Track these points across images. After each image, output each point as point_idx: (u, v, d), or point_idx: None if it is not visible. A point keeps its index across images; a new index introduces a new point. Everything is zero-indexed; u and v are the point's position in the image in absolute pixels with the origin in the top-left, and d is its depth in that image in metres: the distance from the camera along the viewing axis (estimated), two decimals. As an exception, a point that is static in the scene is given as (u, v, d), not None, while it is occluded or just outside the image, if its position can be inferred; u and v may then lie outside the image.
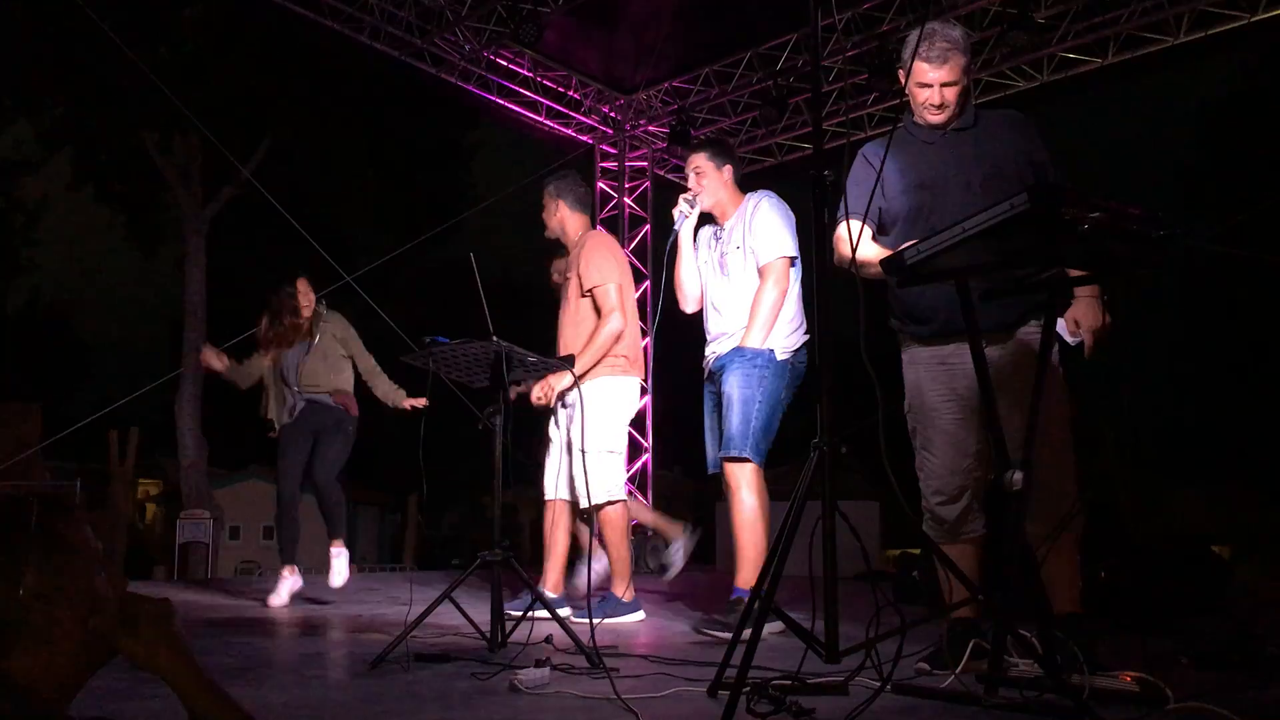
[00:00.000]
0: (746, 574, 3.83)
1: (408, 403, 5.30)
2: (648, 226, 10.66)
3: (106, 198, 16.95)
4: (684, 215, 4.06)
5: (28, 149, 17.92)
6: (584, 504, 4.33)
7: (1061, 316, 2.87)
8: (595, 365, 4.32)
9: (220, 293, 15.81)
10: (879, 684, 2.17)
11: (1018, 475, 2.37)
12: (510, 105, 9.78)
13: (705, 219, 4.18)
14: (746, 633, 2.25)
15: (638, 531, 7.41)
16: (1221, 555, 5.57)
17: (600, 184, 10.50)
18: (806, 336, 4.01)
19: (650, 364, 3.80)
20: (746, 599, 3.86)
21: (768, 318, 3.87)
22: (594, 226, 4.84)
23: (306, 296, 5.29)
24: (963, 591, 2.49)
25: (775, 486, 4.01)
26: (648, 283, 9.73)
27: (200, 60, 14.48)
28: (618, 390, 4.39)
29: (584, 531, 4.74)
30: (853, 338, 2.44)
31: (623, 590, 4.37)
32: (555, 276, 5.48)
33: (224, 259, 16.81)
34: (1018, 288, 2.58)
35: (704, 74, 9.67)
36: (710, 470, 4.07)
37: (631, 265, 5.06)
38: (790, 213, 3.98)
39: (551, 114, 10.11)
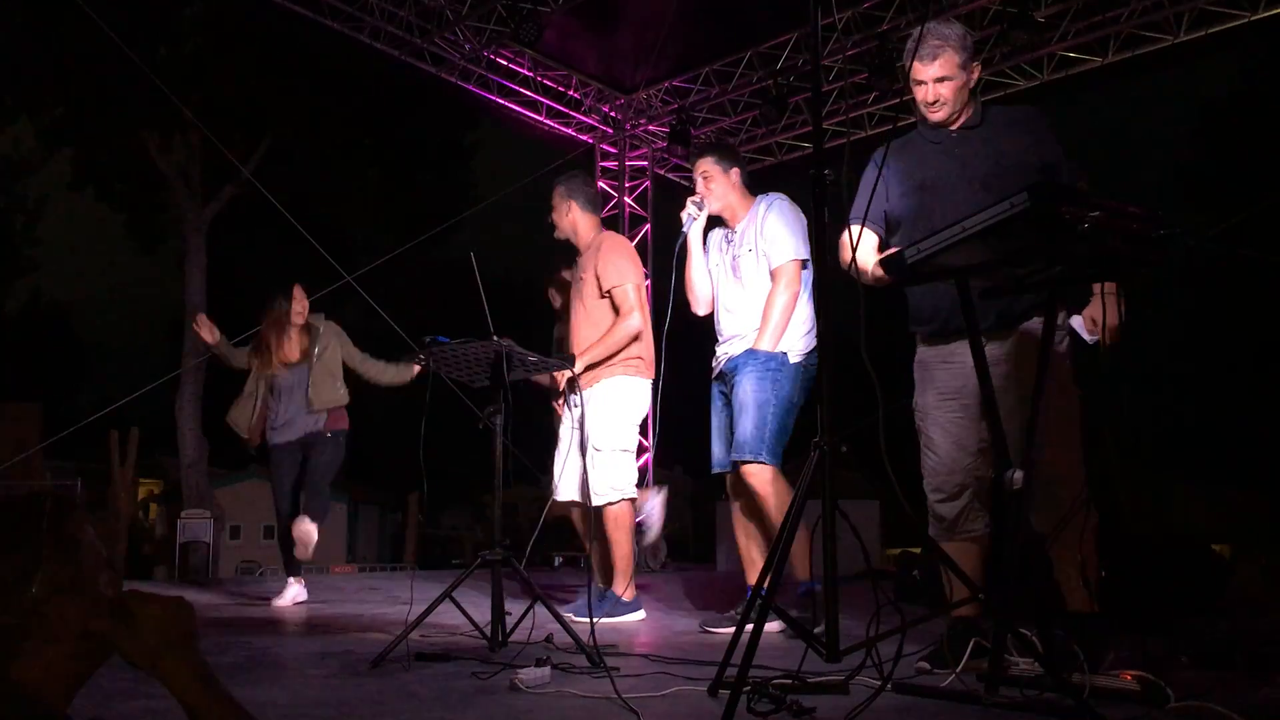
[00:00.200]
0: (802, 567, 3.85)
1: (416, 369, 5.25)
2: (648, 226, 10.67)
3: (106, 198, 16.94)
4: (691, 218, 4.06)
5: (27, 149, 17.94)
6: (595, 501, 4.34)
7: (1079, 314, 2.88)
8: (607, 360, 4.35)
9: (220, 293, 15.80)
10: (879, 683, 2.17)
11: (1018, 474, 2.37)
12: (510, 105, 9.78)
13: (715, 221, 4.18)
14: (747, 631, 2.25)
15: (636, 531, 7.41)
16: (1222, 555, 5.57)
17: (600, 183, 10.50)
18: (814, 337, 4.02)
19: (662, 364, 3.78)
20: (816, 588, 3.90)
21: (780, 321, 3.88)
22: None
23: (301, 303, 5.27)
24: (963, 590, 2.49)
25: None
26: (648, 281, 9.73)
27: (200, 60, 14.49)
28: (633, 390, 4.42)
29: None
30: (856, 338, 2.45)
31: (624, 589, 4.37)
32: (552, 290, 5.47)
33: (224, 259, 16.81)
34: (1018, 287, 2.58)
35: (704, 73, 9.67)
36: (715, 470, 4.08)
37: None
38: (801, 215, 3.98)
39: (551, 113, 10.11)
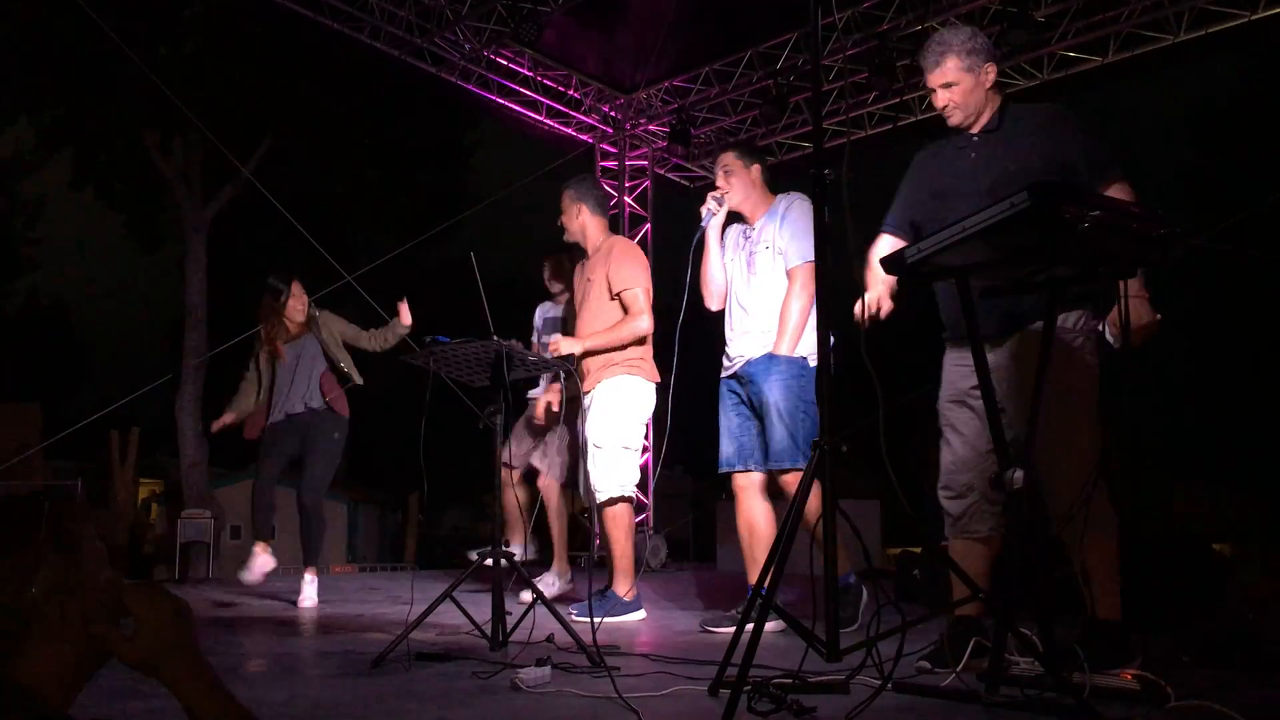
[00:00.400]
0: (842, 560, 3.86)
1: (404, 314, 5.24)
2: (648, 226, 10.66)
3: (106, 198, 16.93)
4: (711, 213, 4.04)
5: (27, 149, 17.92)
6: (598, 498, 4.37)
7: (1106, 317, 2.87)
8: (609, 358, 4.39)
9: (220, 293, 15.80)
10: (880, 682, 2.17)
11: (1018, 474, 2.37)
12: (510, 105, 9.78)
13: (733, 217, 4.18)
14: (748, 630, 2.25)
15: (639, 529, 7.42)
16: (1222, 554, 5.57)
17: (600, 183, 10.50)
18: (832, 339, 4.02)
19: (675, 364, 3.77)
20: (852, 580, 3.88)
21: (798, 324, 3.88)
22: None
23: (300, 299, 5.27)
24: (964, 588, 2.49)
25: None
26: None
27: (200, 60, 14.47)
28: (639, 391, 4.47)
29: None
30: (856, 337, 2.46)
31: (625, 589, 4.37)
32: (548, 274, 5.53)
33: (224, 259, 16.79)
34: (1018, 286, 2.58)
35: (704, 73, 9.67)
36: (723, 469, 4.06)
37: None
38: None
39: (551, 113, 10.11)
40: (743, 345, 4.02)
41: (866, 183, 4.29)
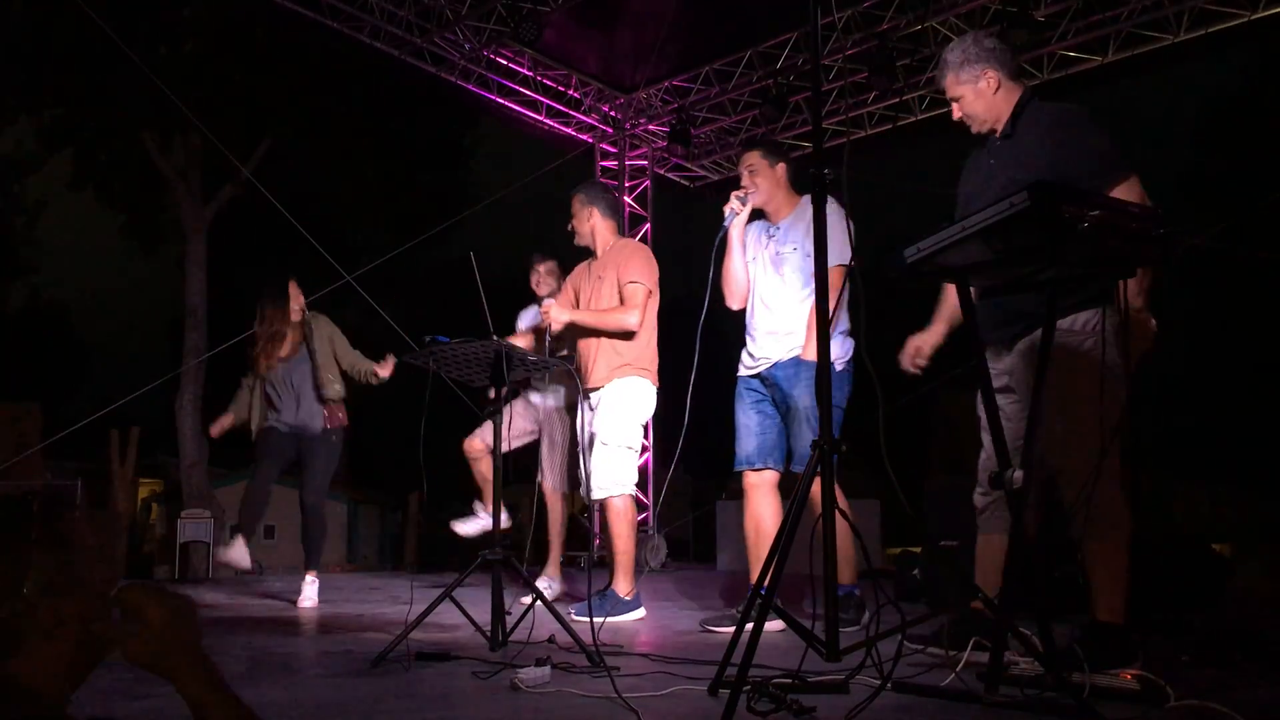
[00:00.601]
0: (846, 572, 3.89)
1: (381, 370, 5.30)
2: (648, 225, 10.67)
3: (106, 198, 16.92)
4: (735, 212, 4.02)
5: (28, 149, 17.91)
6: (596, 495, 4.40)
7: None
8: (609, 336, 4.44)
9: (220, 292, 15.79)
10: (879, 682, 2.17)
11: (1018, 474, 2.37)
12: (510, 104, 9.78)
13: (754, 215, 4.16)
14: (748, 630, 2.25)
15: (641, 529, 7.42)
16: (1222, 553, 5.56)
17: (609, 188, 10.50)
18: (852, 340, 4.05)
19: (696, 362, 3.74)
20: (856, 593, 3.90)
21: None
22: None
23: (296, 300, 5.28)
24: (985, 580, 2.50)
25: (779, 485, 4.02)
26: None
27: (200, 60, 14.46)
28: (646, 393, 4.52)
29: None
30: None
31: (625, 588, 4.38)
32: (535, 278, 5.53)
33: (224, 259, 16.78)
34: (1018, 286, 2.58)
35: (704, 72, 9.67)
36: (740, 467, 4.05)
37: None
38: (847, 219, 3.96)
39: (551, 113, 10.11)
40: (768, 347, 4.01)
41: (866, 182, 4.30)
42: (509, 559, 3.34)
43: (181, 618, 1.28)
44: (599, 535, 4.74)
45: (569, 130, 10.39)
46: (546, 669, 2.66)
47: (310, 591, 5.10)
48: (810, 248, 3.91)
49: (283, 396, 5.21)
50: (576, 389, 4.69)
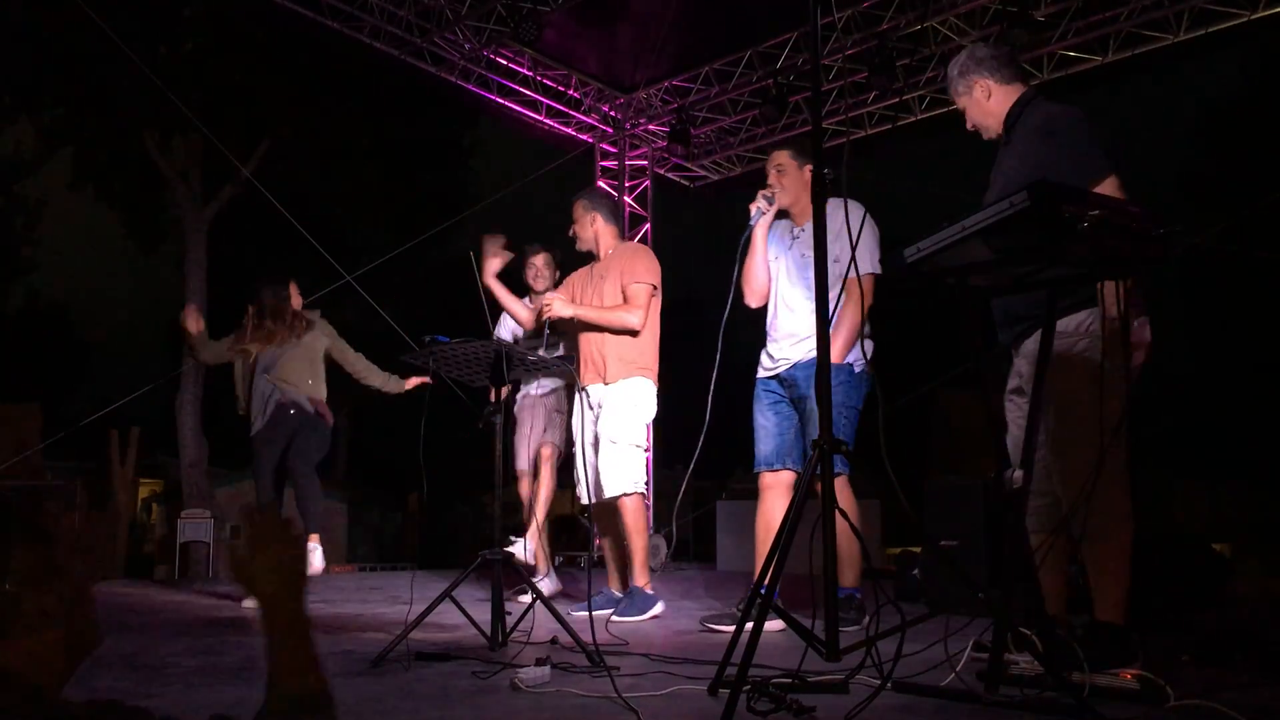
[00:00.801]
0: (849, 575, 3.91)
1: (410, 383, 5.40)
2: (648, 225, 10.67)
3: (106, 198, 16.93)
4: (761, 211, 4.00)
5: (28, 149, 17.92)
6: (610, 493, 4.43)
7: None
8: (629, 360, 4.47)
9: (220, 292, 15.79)
10: (879, 682, 2.17)
11: (1018, 474, 2.38)
12: (510, 104, 9.78)
13: (778, 215, 4.15)
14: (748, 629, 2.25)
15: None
16: (1222, 553, 5.57)
17: (600, 183, 10.51)
18: (873, 342, 4.06)
19: (719, 361, 3.73)
20: (857, 596, 3.91)
21: (851, 335, 3.88)
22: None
23: (295, 299, 5.30)
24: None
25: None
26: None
27: (200, 60, 14.47)
28: (651, 393, 4.55)
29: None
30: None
31: (645, 581, 4.45)
32: (531, 270, 5.54)
33: (224, 259, 16.77)
34: (1018, 286, 2.58)
35: (704, 72, 9.67)
36: (759, 468, 4.05)
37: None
38: (875, 227, 3.95)
39: (551, 113, 10.11)
40: (788, 349, 4.02)
41: (866, 182, 4.30)
42: (509, 559, 3.34)
43: (285, 563, 1.35)
44: (599, 536, 4.75)
45: (569, 130, 10.39)
46: (546, 669, 2.66)
47: (314, 559, 5.08)
48: (836, 253, 3.94)
49: (262, 384, 5.18)
50: (573, 376, 4.69)
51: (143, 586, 6.82)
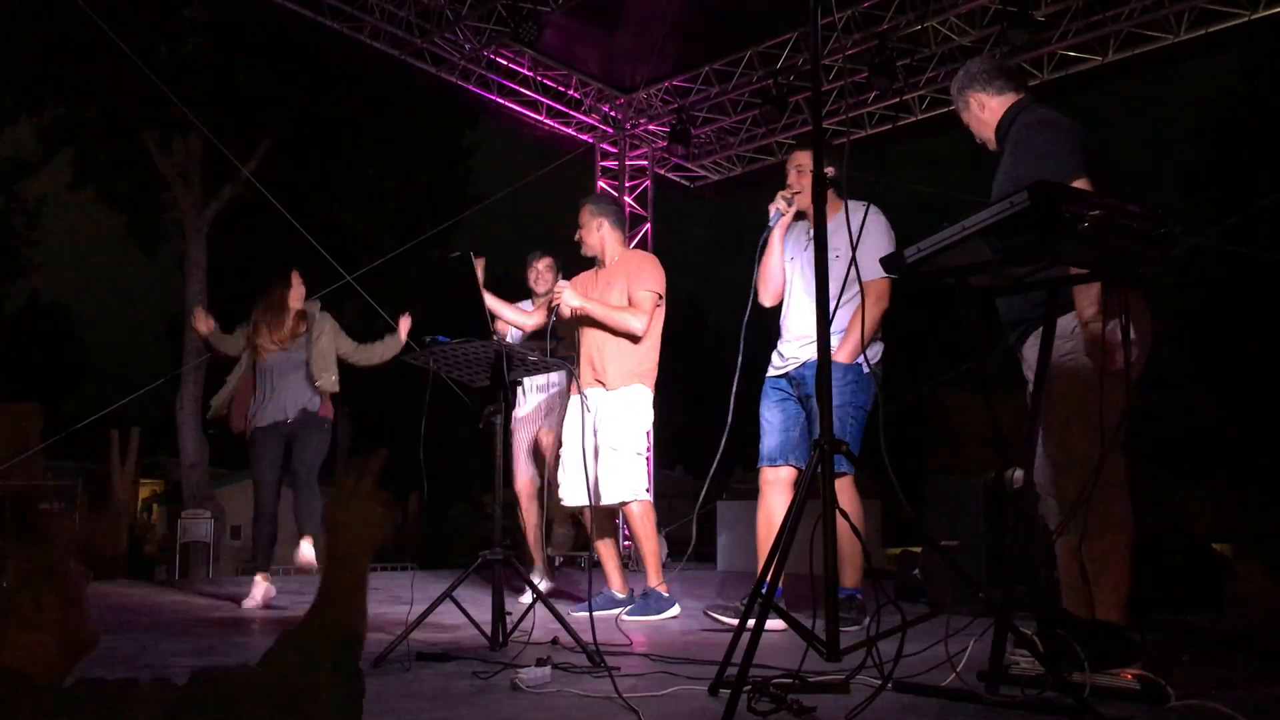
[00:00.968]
0: (850, 575, 3.91)
1: (404, 331, 5.33)
2: (648, 226, 10.66)
3: (106, 198, 16.94)
4: (780, 212, 4.02)
5: (28, 149, 17.93)
6: (612, 500, 4.44)
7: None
8: (627, 365, 4.47)
9: (221, 292, 15.79)
10: (880, 682, 2.18)
11: (1018, 474, 2.38)
12: (510, 104, 9.78)
13: (797, 215, 4.15)
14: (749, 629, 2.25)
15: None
16: (1222, 553, 5.57)
17: (600, 183, 10.51)
18: (883, 344, 4.08)
19: (740, 360, 3.72)
20: (858, 597, 3.91)
21: (865, 337, 3.87)
22: None
23: (298, 289, 5.27)
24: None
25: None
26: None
27: (200, 60, 14.49)
28: (646, 399, 4.56)
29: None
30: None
31: (659, 583, 4.46)
32: (533, 274, 5.54)
33: (224, 259, 16.79)
34: (1018, 286, 2.58)
35: (704, 72, 9.67)
36: (764, 464, 4.06)
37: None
38: (892, 231, 3.98)
39: (552, 113, 10.11)
40: (797, 349, 4.03)
41: (866, 181, 4.30)
42: (509, 559, 3.34)
43: (371, 524, 1.41)
44: (595, 539, 4.76)
45: (569, 130, 10.39)
46: (547, 669, 2.66)
47: (306, 548, 5.04)
48: (859, 257, 3.94)
49: (271, 385, 5.14)
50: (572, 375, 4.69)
51: (143, 586, 6.82)
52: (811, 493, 3.25)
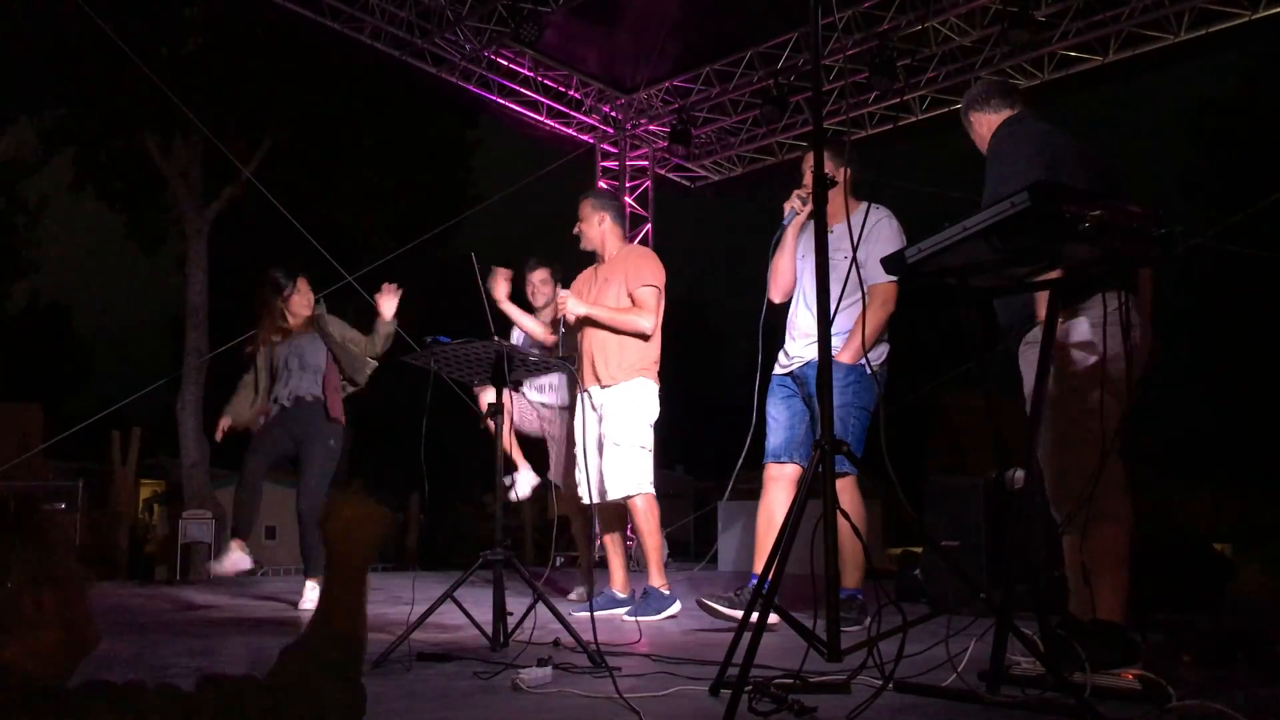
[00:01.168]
0: (851, 576, 3.92)
1: (390, 313, 5.23)
2: (648, 226, 10.67)
3: (106, 198, 16.93)
4: (795, 211, 4.02)
5: (28, 149, 17.92)
6: (615, 495, 4.44)
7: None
8: (629, 360, 4.47)
9: (221, 293, 15.79)
10: (881, 682, 2.18)
11: (1018, 474, 2.38)
12: (511, 105, 9.78)
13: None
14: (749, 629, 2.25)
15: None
16: (1222, 553, 5.57)
17: (601, 183, 10.51)
18: (888, 346, 4.08)
19: (760, 359, 3.73)
20: (859, 597, 3.91)
21: (870, 338, 3.89)
22: None
23: (306, 295, 5.25)
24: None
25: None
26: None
27: (200, 60, 14.48)
28: (650, 393, 4.55)
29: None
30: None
31: (661, 581, 4.45)
32: (530, 287, 5.50)
33: (225, 259, 16.78)
34: (1018, 286, 2.58)
35: (705, 73, 9.67)
36: (769, 460, 4.08)
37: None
38: (904, 238, 3.98)
39: (552, 113, 10.11)
40: (803, 348, 4.05)
41: (866, 182, 4.31)
42: (510, 559, 3.34)
43: (367, 525, 1.46)
44: (599, 535, 4.76)
45: (570, 131, 10.39)
46: (548, 669, 2.66)
47: (311, 595, 5.06)
48: (862, 256, 3.94)
49: (284, 373, 5.09)
50: (574, 388, 4.69)
51: (144, 587, 6.82)
52: (813, 493, 3.26)
